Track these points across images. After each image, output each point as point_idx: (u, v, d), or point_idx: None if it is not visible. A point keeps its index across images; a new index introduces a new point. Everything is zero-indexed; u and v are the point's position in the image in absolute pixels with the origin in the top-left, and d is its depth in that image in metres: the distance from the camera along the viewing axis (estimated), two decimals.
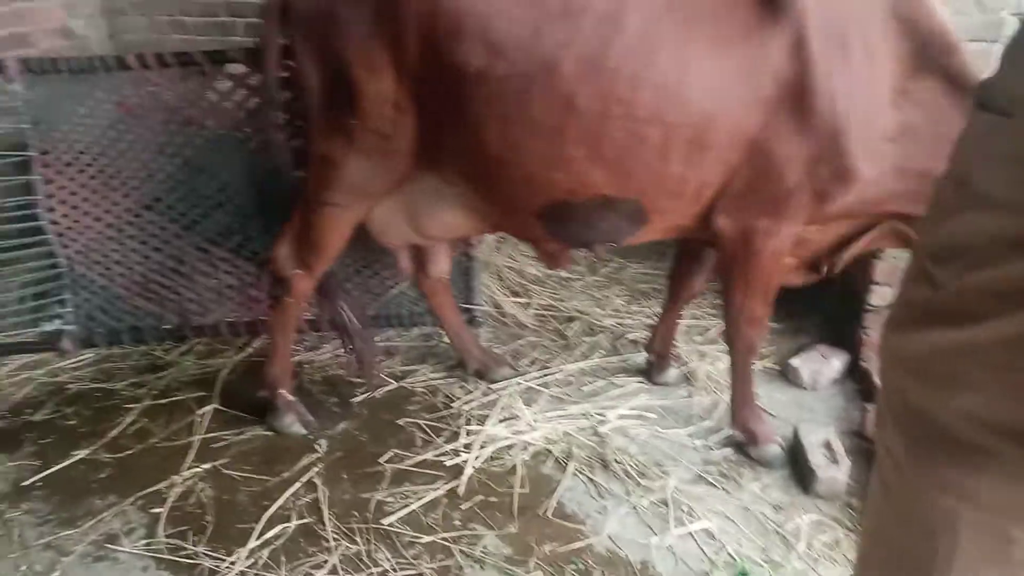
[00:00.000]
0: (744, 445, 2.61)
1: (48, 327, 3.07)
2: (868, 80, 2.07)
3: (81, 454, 2.60)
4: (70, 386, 2.95)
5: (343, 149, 2.31)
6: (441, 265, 2.90)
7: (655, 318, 3.25)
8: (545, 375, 3.00)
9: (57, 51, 3.70)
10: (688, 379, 2.99)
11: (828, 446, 2.48)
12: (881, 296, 2.92)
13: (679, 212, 2.28)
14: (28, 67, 2.71)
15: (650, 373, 2.99)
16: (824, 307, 3.29)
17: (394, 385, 2.96)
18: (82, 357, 3.11)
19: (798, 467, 2.51)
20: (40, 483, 2.48)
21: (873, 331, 2.95)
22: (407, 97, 2.20)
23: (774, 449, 2.56)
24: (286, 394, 2.73)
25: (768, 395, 2.90)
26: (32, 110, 2.78)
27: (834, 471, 2.40)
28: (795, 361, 2.98)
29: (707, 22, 2.05)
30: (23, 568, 2.17)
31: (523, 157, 2.16)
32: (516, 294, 3.58)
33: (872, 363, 2.92)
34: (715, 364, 3.06)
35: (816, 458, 2.44)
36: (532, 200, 2.27)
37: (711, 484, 2.48)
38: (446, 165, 2.33)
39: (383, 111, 2.22)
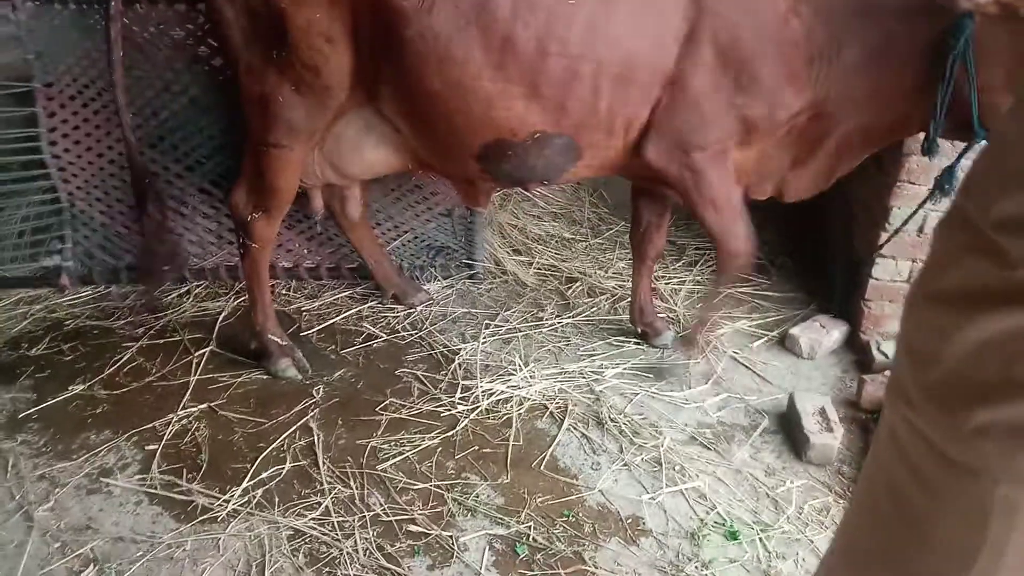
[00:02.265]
0: (688, 343, 2.85)
1: (47, 263, 3.06)
2: (768, 6, 2.21)
3: (77, 389, 2.60)
4: (67, 322, 2.94)
5: (275, 87, 2.30)
6: (358, 205, 2.91)
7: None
8: (543, 333, 2.99)
9: None
10: (676, 340, 2.99)
11: (823, 414, 2.49)
12: (885, 269, 2.91)
13: (609, 147, 2.39)
14: None
15: (647, 338, 2.99)
16: (826, 278, 3.27)
17: (393, 336, 2.96)
18: (80, 295, 3.09)
19: (792, 433, 2.52)
20: (36, 416, 2.49)
21: (875, 304, 2.94)
22: (340, 29, 2.19)
23: (669, 335, 2.92)
24: (278, 339, 2.72)
25: (766, 362, 2.91)
26: (36, 41, 2.74)
27: (827, 438, 2.41)
28: (794, 330, 2.98)
29: None
30: (17, 497, 2.18)
31: (463, 96, 2.23)
32: (518, 252, 3.57)
33: (872, 335, 2.92)
34: (713, 330, 3.05)
35: (810, 425, 2.45)
36: (471, 139, 2.34)
37: (704, 446, 2.49)
38: (384, 101, 2.35)
39: (314, 43, 2.20)
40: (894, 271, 2.92)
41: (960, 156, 2.38)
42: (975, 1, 2.02)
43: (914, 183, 2.78)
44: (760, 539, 2.15)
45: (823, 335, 2.96)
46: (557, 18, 2.17)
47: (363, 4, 2.16)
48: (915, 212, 2.63)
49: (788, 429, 2.55)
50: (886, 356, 2.80)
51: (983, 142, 2.23)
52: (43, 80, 2.80)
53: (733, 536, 2.15)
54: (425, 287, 3.24)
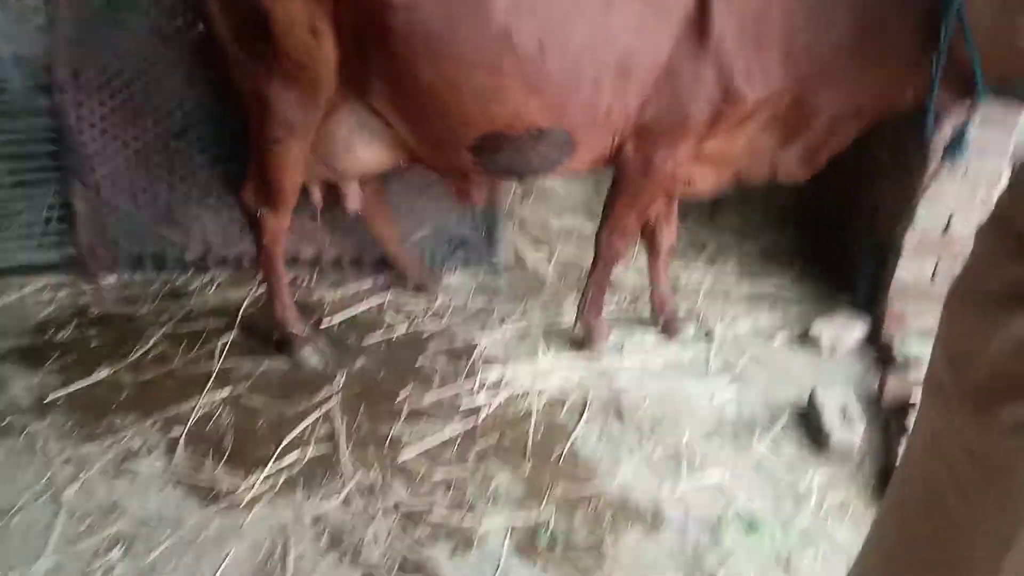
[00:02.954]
0: (584, 341, 2.84)
1: (73, 250, 3.09)
2: (757, 5, 2.24)
3: (103, 374, 2.63)
4: (93, 309, 2.98)
5: (265, 82, 2.30)
6: (354, 200, 2.91)
7: (675, 275, 3.26)
8: (562, 325, 3.00)
9: None
10: (708, 337, 2.99)
11: (844, 410, 2.48)
12: (909, 269, 2.89)
13: (602, 142, 2.43)
14: None
15: (668, 333, 2.99)
16: (849, 275, 3.26)
17: (414, 327, 2.97)
18: (105, 282, 3.13)
19: (812, 428, 2.52)
20: (62, 399, 2.52)
21: (898, 302, 2.93)
22: (325, 22, 2.17)
23: (607, 343, 2.87)
24: (299, 328, 2.75)
25: (788, 358, 2.90)
26: (67, 30, 2.77)
27: (848, 434, 2.40)
28: (817, 327, 2.97)
29: None
30: (45, 479, 2.21)
31: (459, 91, 2.23)
32: (539, 246, 3.57)
33: (895, 333, 2.91)
34: (734, 326, 3.05)
35: (831, 420, 2.44)
36: (466, 133, 2.34)
37: (724, 440, 2.49)
38: (374, 95, 2.34)
39: (296, 36, 2.19)
40: (918, 270, 2.90)
41: (968, 119, 2.36)
42: None
43: (940, 182, 2.77)
44: (780, 532, 2.15)
45: (845, 331, 2.95)
46: (559, 13, 2.17)
47: None
48: (928, 185, 2.64)
49: (808, 424, 2.55)
50: (909, 354, 2.78)
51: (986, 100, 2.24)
52: (72, 70, 2.83)
53: (753, 529, 2.15)
54: (444, 279, 3.25)
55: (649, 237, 2.92)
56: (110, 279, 3.13)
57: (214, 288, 3.15)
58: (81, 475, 2.23)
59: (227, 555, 2.01)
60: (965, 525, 0.90)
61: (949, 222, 2.83)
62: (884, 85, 2.34)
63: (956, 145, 2.41)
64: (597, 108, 2.31)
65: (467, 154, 2.41)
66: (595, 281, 2.77)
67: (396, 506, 2.17)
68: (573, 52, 2.21)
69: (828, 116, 2.42)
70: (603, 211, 2.65)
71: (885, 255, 2.97)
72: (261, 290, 3.08)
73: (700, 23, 2.23)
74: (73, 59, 2.82)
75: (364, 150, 2.52)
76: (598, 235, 2.68)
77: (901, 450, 2.17)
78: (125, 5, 2.76)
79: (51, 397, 2.52)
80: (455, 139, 2.37)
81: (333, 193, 2.83)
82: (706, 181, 2.67)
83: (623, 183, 2.53)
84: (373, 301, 3.10)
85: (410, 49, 2.17)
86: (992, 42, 2.11)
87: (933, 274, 2.90)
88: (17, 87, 2.85)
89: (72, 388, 2.56)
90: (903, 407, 2.55)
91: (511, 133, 2.33)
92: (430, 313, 3.06)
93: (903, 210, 2.85)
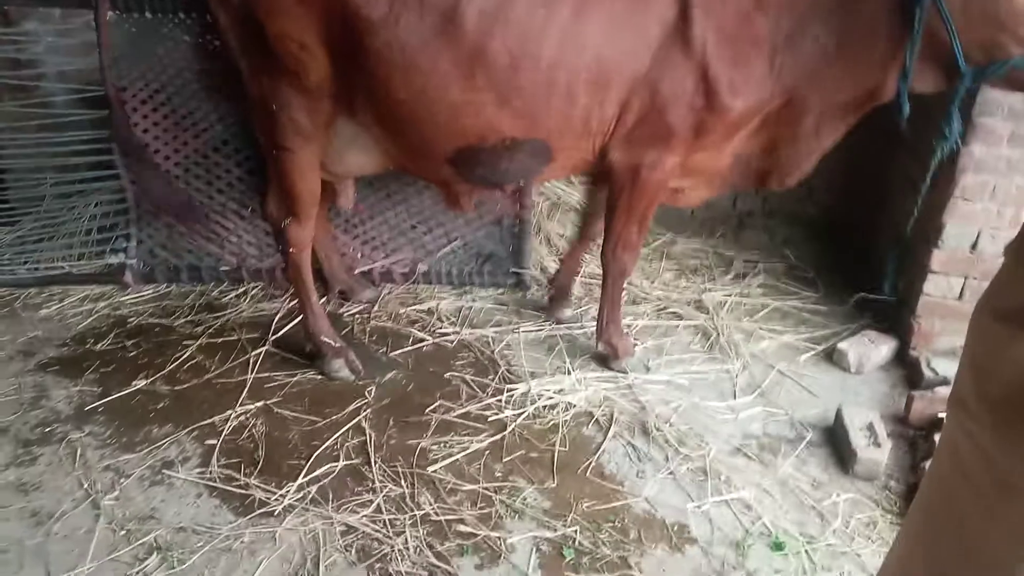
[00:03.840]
0: (607, 359, 2.87)
1: (112, 260, 3.18)
2: (738, 16, 2.27)
3: (140, 384, 2.70)
4: (130, 319, 3.05)
5: (272, 89, 2.38)
6: (349, 200, 2.97)
7: (701, 292, 3.28)
8: (589, 340, 3.03)
9: None
10: (729, 353, 3.00)
11: (870, 428, 2.49)
12: (936, 285, 2.89)
13: (581, 149, 2.48)
14: (115, 5, 2.79)
15: (549, 310, 3.13)
16: (878, 293, 3.25)
17: (443, 340, 3.02)
18: (142, 293, 3.21)
19: (839, 447, 2.52)
20: (101, 408, 2.59)
21: (925, 320, 2.93)
22: (313, 38, 2.26)
23: (633, 359, 2.87)
24: (331, 341, 2.80)
25: (814, 376, 2.91)
26: (114, 47, 2.86)
27: (875, 453, 2.41)
28: (843, 345, 2.97)
29: None
30: (86, 486, 2.28)
31: (431, 105, 2.30)
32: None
33: (922, 351, 2.90)
34: (759, 343, 3.07)
35: (857, 439, 2.45)
36: (442, 146, 2.41)
37: (749, 457, 2.50)
38: (359, 110, 2.42)
39: (289, 51, 2.28)
40: (946, 287, 2.90)
41: (954, 99, 2.36)
42: None
43: (968, 199, 2.77)
44: (806, 551, 2.16)
45: (872, 350, 2.95)
46: (529, 28, 2.23)
47: (334, 14, 2.22)
48: (933, 171, 2.59)
49: (835, 443, 2.55)
50: (936, 372, 2.78)
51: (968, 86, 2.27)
52: (117, 85, 2.92)
53: (778, 547, 2.16)
54: (380, 287, 3.31)
55: (585, 225, 3.02)
56: (147, 290, 3.21)
57: (248, 300, 3.22)
58: (120, 483, 2.30)
59: (260, 564, 2.06)
60: (984, 536, 0.92)
61: (977, 240, 2.82)
62: (866, 78, 2.37)
63: (945, 127, 2.43)
64: (572, 118, 2.36)
65: (446, 166, 2.49)
66: (608, 298, 2.81)
67: (425, 518, 2.21)
68: (545, 64, 2.26)
69: (814, 118, 2.46)
70: (604, 228, 2.70)
71: (913, 273, 2.97)
72: (294, 302, 3.14)
73: (681, 32, 2.27)
74: (119, 75, 2.91)
75: (355, 158, 2.61)
76: (603, 252, 2.73)
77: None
78: (169, 22, 2.84)
79: (91, 406, 2.60)
80: (434, 152, 2.45)
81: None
82: (695, 192, 2.74)
83: (617, 196, 2.57)
84: (401, 313, 3.15)
85: (387, 66, 2.25)
86: (970, 22, 2.16)
87: (961, 292, 2.90)
88: (63, 101, 2.95)
89: (111, 397, 2.63)
90: (930, 426, 2.55)
91: (486, 145, 2.40)
92: (457, 326, 3.10)
93: (930, 227, 2.86)
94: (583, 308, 3.25)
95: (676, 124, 2.37)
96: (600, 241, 2.77)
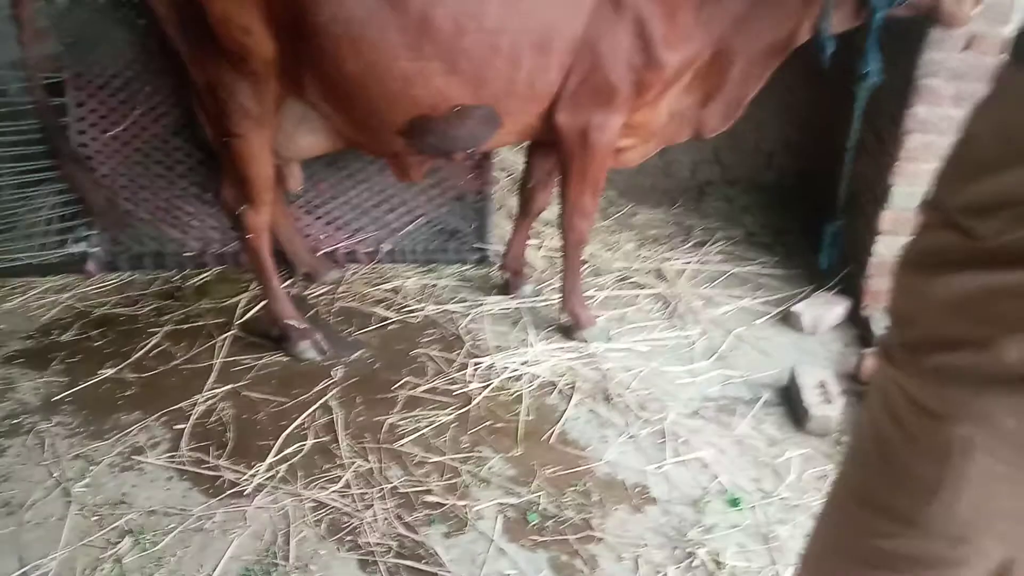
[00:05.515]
0: (570, 329, 2.93)
1: (74, 249, 3.17)
2: None
3: (107, 373, 2.72)
4: (95, 309, 3.06)
5: (217, 75, 2.40)
6: (298, 182, 3.00)
7: (661, 261, 3.34)
8: (552, 312, 3.09)
9: None
10: (688, 320, 3.08)
11: (823, 386, 2.57)
12: (886, 245, 2.97)
13: (528, 113, 2.54)
14: None
15: (507, 288, 3.18)
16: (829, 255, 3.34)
17: (408, 317, 3.06)
18: (106, 282, 3.21)
19: (793, 405, 2.61)
20: (69, 398, 2.61)
21: (876, 280, 3.01)
22: (256, 19, 2.27)
23: (595, 329, 2.92)
24: (296, 323, 2.82)
25: (770, 338, 2.99)
26: (67, 33, 2.84)
27: (827, 410, 2.49)
28: (798, 307, 3.06)
29: None
30: (56, 475, 2.30)
31: (381, 77, 2.33)
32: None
33: (873, 310, 2.99)
34: (717, 309, 3.14)
35: (810, 397, 2.53)
36: (393, 117, 2.45)
37: (707, 419, 2.59)
38: (307, 88, 2.44)
39: (233, 35, 2.29)
40: (895, 247, 2.97)
41: (869, 36, 2.50)
42: None
43: (914, 160, 2.85)
44: (760, 505, 2.24)
45: (826, 311, 3.03)
46: None
47: None
48: (858, 116, 2.82)
49: (789, 402, 2.64)
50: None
51: (881, 16, 2.41)
52: (73, 70, 2.90)
53: (734, 503, 2.25)
54: (345, 267, 3.32)
55: (525, 199, 3.07)
56: (111, 279, 3.21)
57: (213, 285, 3.23)
58: (90, 470, 2.32)
59: (232, 542, 2.10)
60: (909, 463, 1.00)
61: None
62: (785, 21, 2.47)
63: (862, 66, 2.57)
64: (517, 82, 2.41)
65: (398, 138, 2.52)
66: (569, 267, 2.87)
67: (393, 491, 2.27)
68: (489, 30, 2.31)
69: (741, 66, 2.56)
70: (560, 197, 2.76)
71: (862, 233, 3.05)
72: (259, 286, 3.16)
73: None
74: (73, 61, 2.88)
75: (305, 139, 2.63)
76: (562, 223, 2.79)
77: None
78: (123, 5, 2.83)
79: (58, 396, 2.61)
80: (385, 125, 2.49)
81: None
82: (635, 151, 2.80)
83: (568, 163, 2.63)
84: (367, 293, 3.19)
85: (334, 41, 2.27)
86: None
87: None
88: (17, 89, 2.92)
89: (78, 387, 2.65)
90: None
91: (435, 114, 2.44)
92: (422, 303, 3.14)
93: (878, 188, 2.93)
94: (546, 282, 3.30)
95: (618, 83, 2.44)
96: (542, 216, 2.83)
